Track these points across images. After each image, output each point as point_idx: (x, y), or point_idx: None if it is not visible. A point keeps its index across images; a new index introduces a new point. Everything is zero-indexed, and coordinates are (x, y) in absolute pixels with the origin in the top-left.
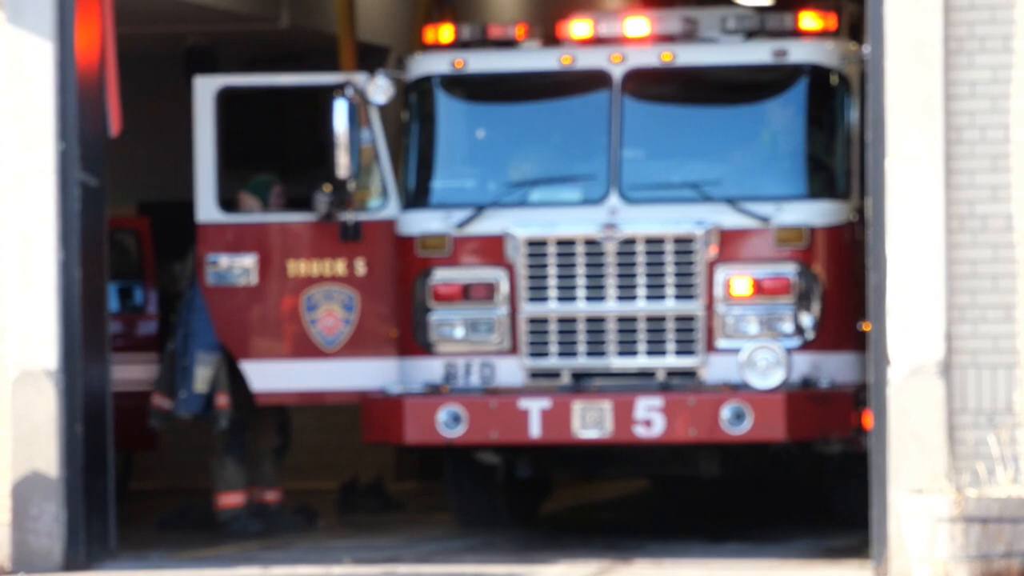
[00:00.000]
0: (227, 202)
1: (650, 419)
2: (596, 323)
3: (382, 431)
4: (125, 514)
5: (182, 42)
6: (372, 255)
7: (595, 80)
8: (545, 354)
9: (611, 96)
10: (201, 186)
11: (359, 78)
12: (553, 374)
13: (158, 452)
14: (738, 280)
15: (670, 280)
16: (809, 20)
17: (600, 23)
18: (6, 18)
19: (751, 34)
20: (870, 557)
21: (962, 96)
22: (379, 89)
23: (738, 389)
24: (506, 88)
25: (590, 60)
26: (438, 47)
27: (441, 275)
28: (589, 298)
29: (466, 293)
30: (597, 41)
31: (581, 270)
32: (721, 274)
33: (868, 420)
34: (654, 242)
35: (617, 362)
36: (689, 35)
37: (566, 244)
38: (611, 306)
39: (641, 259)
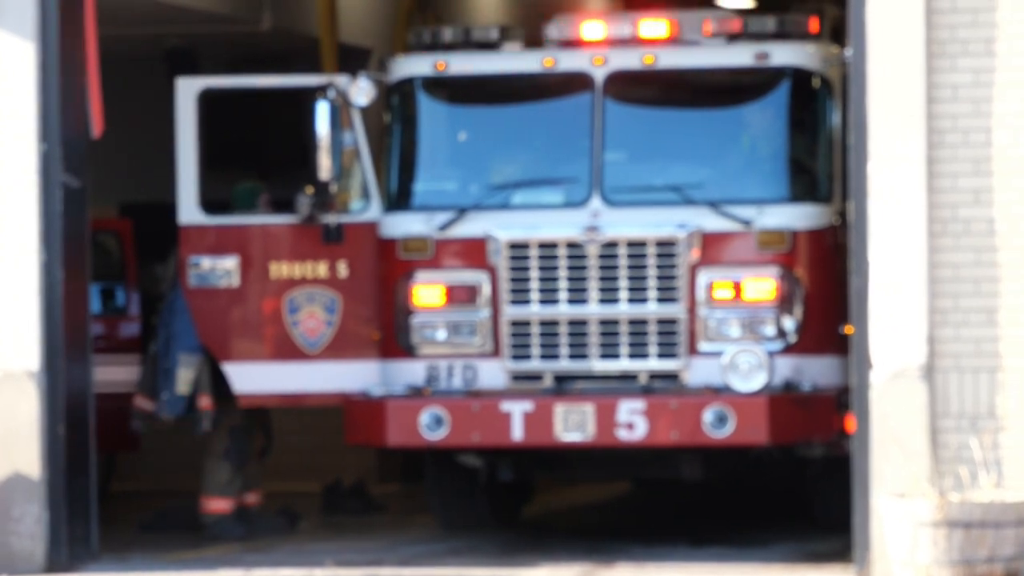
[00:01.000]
0: (209, 204)
1: (632, 422)
2: (578, 326)
3: (364, 433)
4: (107, 516)
5: (163, 44)
6: (354, 257)
7: (577, 82)
8: (527, 357)
9: (593, 98)
10: (183, 187)
11: (341, 80)
12: (535, 377)
13: (140, 454)
14: (720, 283)
15: (652, 283)
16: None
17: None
18: None
19: (733, 37)
20: (852, 561)
21: (944, 99)
22: (361, 91)
23: (720, 392)
24: (488, 90)
25: (572, 62)
26: (420, 49)
27: (423, 277)
28: (571, 301)
29: (448, 296)
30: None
31: (563, 273)
32: (703, 277)
33: (851, 424)
34: (636, 245)
35: (599, 365)
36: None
37: (548, 247)
38: (593, 309)
39: (623, 262)
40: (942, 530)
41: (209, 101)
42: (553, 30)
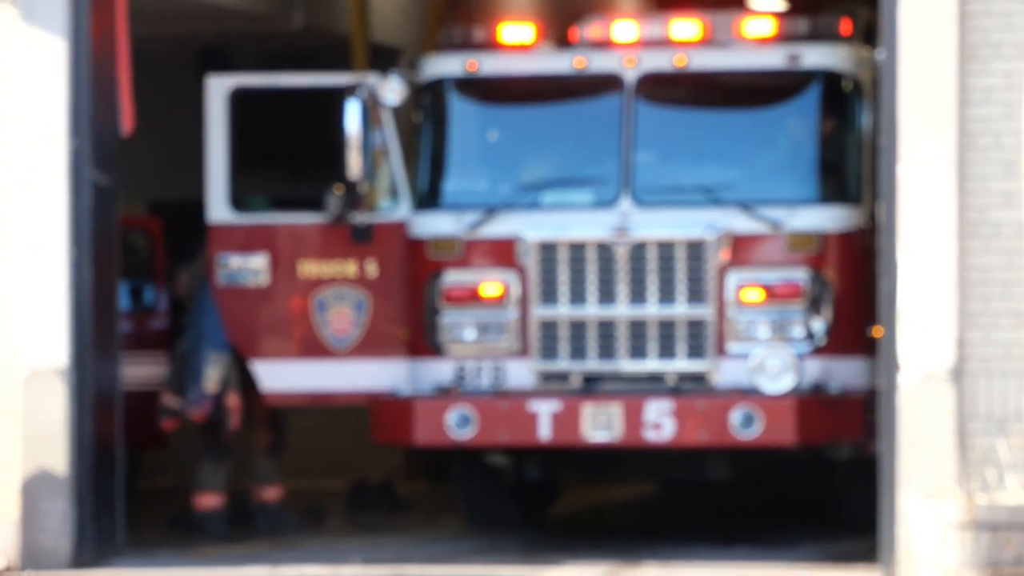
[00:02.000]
0: (238, 201)
1: (660, 422)
2: (607, 326)
3: (392, 432)
4: (134, 512)
5: (195, 41)
6: (383, 256)
7: (608, 84)
8: (555, 356)
9: (624, 100)
10: (212, 186)
11: (372, 79)
12: (563, 376)
13: (167, 450)
14: (749, 285)
15: (681, 284)
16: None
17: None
18: (20, 15)
19: (765, 38)
20: (879, 562)
21: (976, 102)
22: (392, 90)
23: (748, 393)
24: (519, 90)
25: (603, 63)
26: (451, 48)
27: (452, 277)
28: (600, 301)
29: (477, 295)
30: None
31: (592, 274)
32: (732, 278)
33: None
34: (665, 246)
35: (627, 365)
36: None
37: (577, 247)
38: (622, 309)
39: (652, 263)
40: (969, 532)
41: (239, 99)
42: (585, 30)
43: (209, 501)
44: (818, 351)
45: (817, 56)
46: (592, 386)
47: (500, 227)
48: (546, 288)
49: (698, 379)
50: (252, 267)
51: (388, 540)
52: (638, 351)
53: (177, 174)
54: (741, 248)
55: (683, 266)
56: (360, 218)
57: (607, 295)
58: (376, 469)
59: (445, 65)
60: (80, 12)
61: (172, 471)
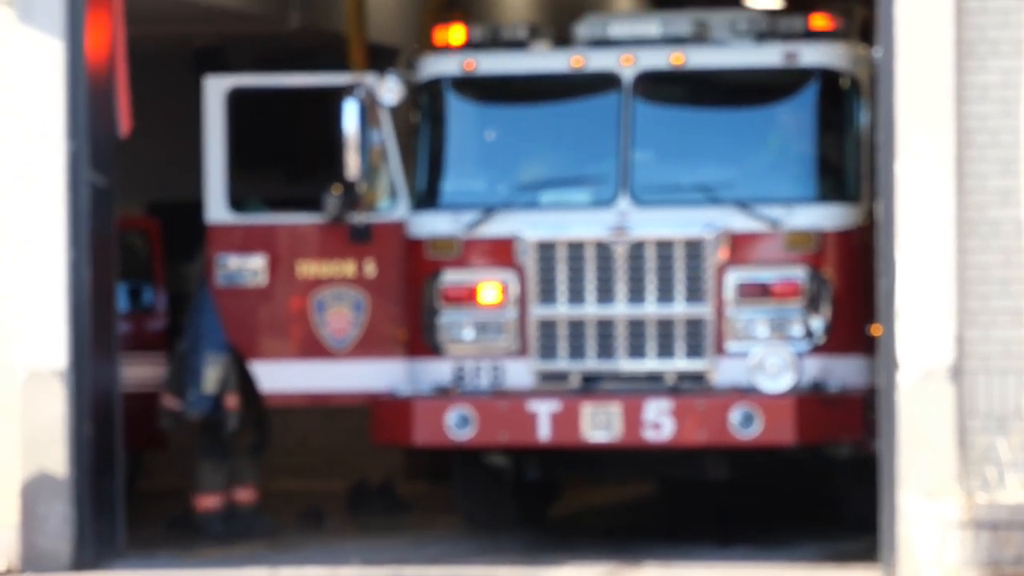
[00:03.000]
0: (237, 202)
1: (659, 422)
2: (605, 326)
3: (391, 432)
4: (133, 514)
5: (192, 42)
6: (382, 256)
7: (606, 82)
8: (554, 356)
9: (621, 98)
10: (210, 186)
11: (369, 79)
12: (562, 376)
13: (167, 452)
14: (748, 283)
15: (680, 283)
16: (820, 22)
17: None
18: (16, 16)
19: (761, 36)
20: (879, 561)
21: (973, 99)
22: (389, 90)
23: (747, 392)
24: (516, 90)
25: (600, 62)
26: (448, 48)
27: (450, 277)
28: (599, 301)
29: (475, 295)
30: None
31: (591, 273)
32: (731, 277)
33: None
34: (664, 245)
35: (626, 365)
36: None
37: (575, 247)
38: (620, 309)
39: (651, 262)
40: (969, 531)
41: (237, 100)
42: (582, 29)
43: (209, 502)
44: (817, 350)
45: (814, 54)
46: (591, 386)
47: (498, 227)
48: (545, 288)
49: (697, 378)
50: (251, 267)
51: (387, 541)
52: (637, 350)
53: (175, 175)
54: (740, 247)
55: (682, 265)
56: (358, 218)
57: (606, 294)
58: (375, 469)
59: (442, 65)
60: (77, 13)
61: (171, 472)
